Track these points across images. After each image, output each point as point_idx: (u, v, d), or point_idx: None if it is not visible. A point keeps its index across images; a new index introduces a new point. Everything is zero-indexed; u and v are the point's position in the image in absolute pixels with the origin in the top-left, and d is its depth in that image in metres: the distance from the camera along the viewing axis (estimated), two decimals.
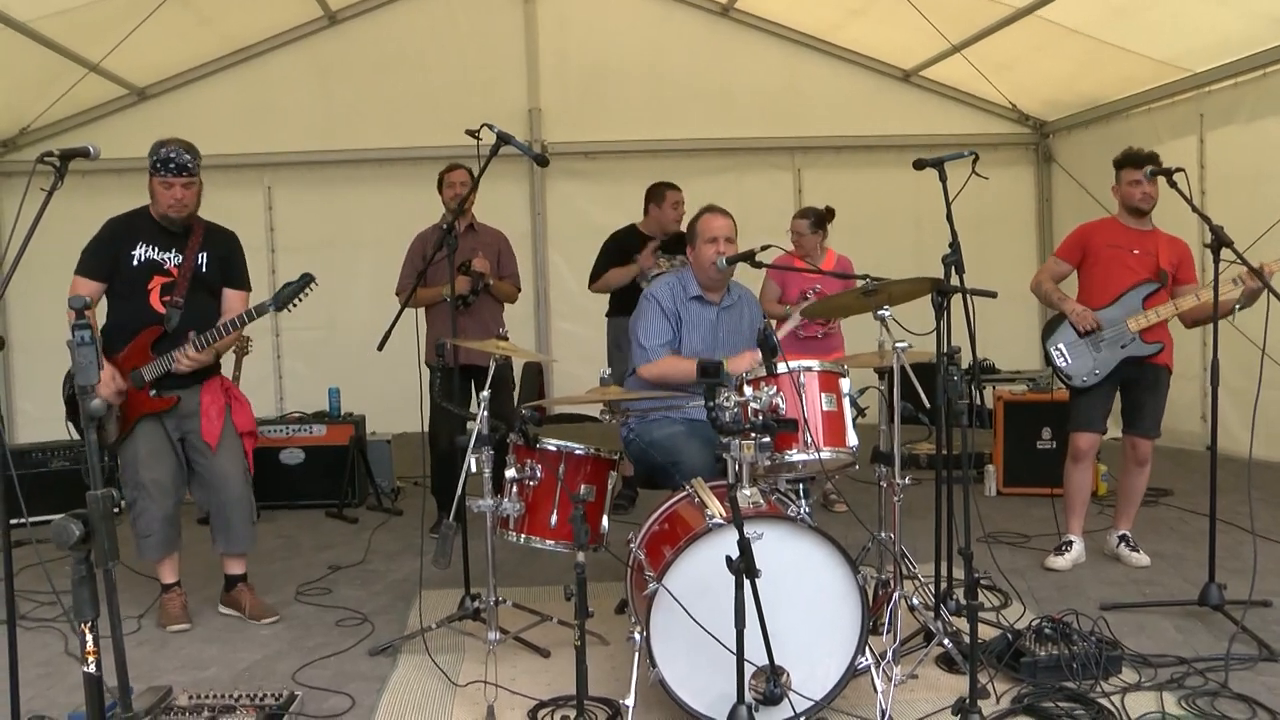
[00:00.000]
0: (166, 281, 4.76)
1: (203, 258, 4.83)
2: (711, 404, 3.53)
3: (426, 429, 5.94)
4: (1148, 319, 5.13)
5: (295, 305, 4.68)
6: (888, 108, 9.84)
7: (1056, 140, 9.84)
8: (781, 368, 3.87)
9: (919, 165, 4.18)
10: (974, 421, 3.79)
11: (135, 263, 4.73)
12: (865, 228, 9.10)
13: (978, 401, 4.07)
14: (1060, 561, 5.35)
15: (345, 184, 9.52)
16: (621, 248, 6.85)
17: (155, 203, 4.74)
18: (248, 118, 9.09)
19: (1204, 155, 7.89)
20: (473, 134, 4.53)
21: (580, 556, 3.38)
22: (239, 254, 5.01)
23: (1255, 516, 5.03)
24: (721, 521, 3.53)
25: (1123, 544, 5.29)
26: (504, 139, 4.46)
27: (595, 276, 6.91)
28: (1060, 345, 5.30)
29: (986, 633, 4.16)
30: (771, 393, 3.79)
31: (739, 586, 3.20)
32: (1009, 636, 4.05)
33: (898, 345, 4.05)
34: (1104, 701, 3.67)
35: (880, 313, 4.15)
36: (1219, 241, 4.48)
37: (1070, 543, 5.42)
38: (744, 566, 3.21)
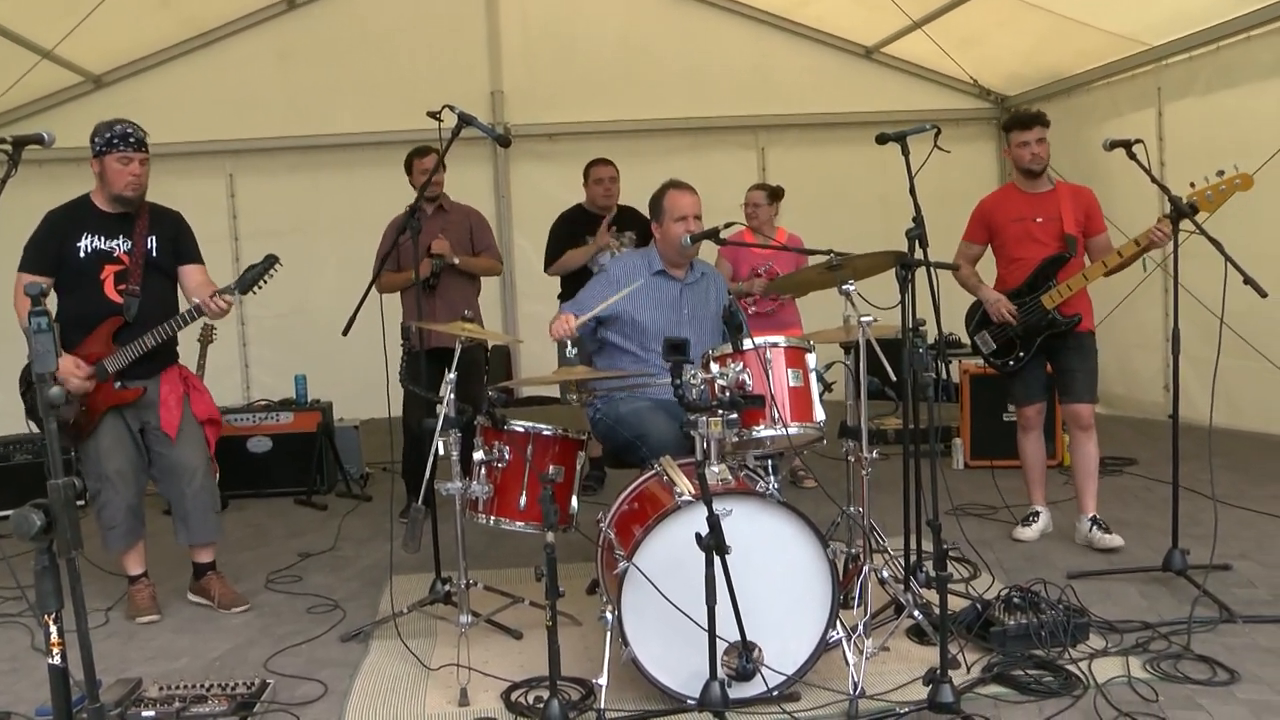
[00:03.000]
0: (119, 270, 4.67)
1: (152, 241, 4.74)
2: (678, 381, 3.52)
3: (396, 414, 5.88)
4: (1060, 294, 5.11)
5: (260, 288, 4.63)
6: (851, 85, 9.82)
7: None
8: (747, 344, 3.86)
9: (881, 140, 4.16)
10: (940, 395, 3.79)
11: (82, 254, 4.63)
12: (829, 204, 9.12)
13: (943, 376, 4.05)
14: (1027, 532, 5.39)
15: (309, 169, 9.43)
16: (570, 228, 6.81)
17: (109, 184, 4.60)
18: (208, 104, 8.95)
19: (1162, 127, 7.94)
20: (434, 115, 4.48)
21: (550, 537, 3.35)
22: (187, 230, 4.90)
23: (1216, 483, 5.05)
24: (690, 499, 3.52)
25: (1094, 527, 5.22)
26: (465, 120, 4.41)
27: (550, 259, 6.85)
28: (984, 333, 5.34)
29: (956, 604, 4.16)
30: (738, 369, 3.78)
31: (709, 563, 3.20)
32: (978, 607, 4.06)
33: (863, 320, 4.04)
34: (1072, 668, 3.70)
35: (845, 287, 4.13)
36: (1178, 212, 4.50)
37: (1037, 514, 5.44)
38: (714, 543, 3.20)
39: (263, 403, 7.51)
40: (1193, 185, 4.66)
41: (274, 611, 4.87)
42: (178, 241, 4.83)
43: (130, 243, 4.69)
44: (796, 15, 9.68)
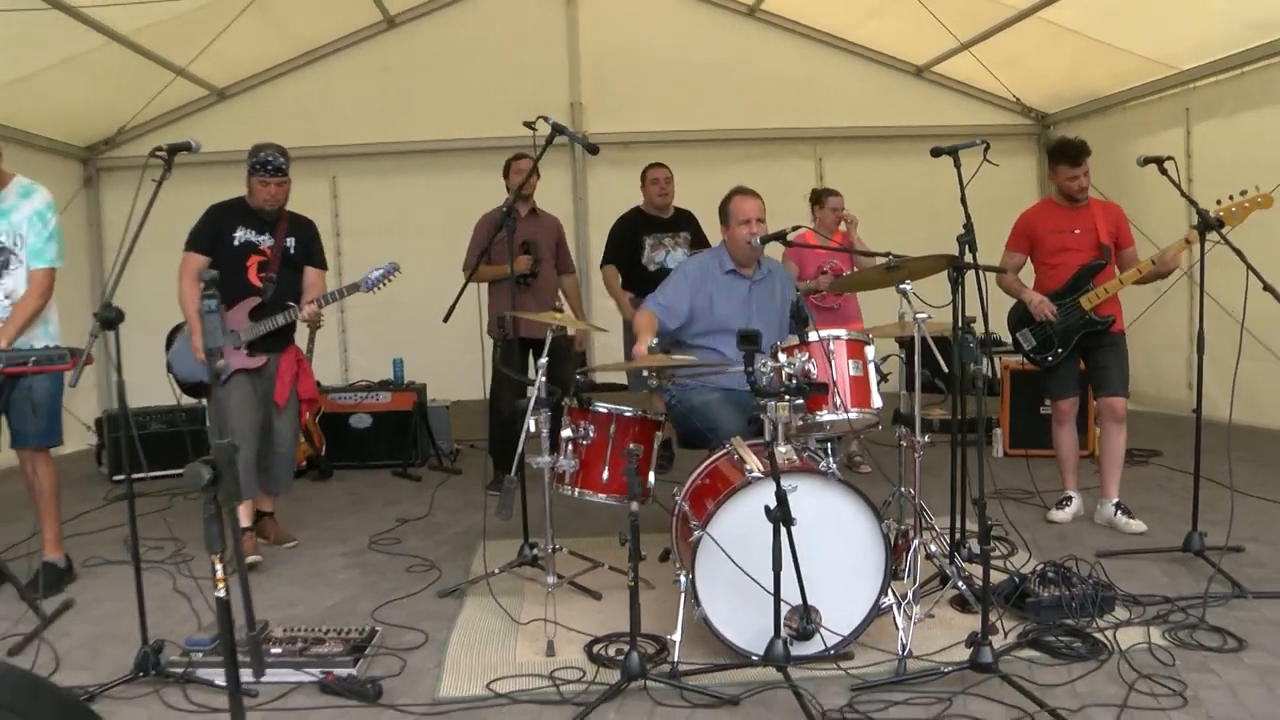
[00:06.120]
0: (262, 260, 5.07)
1: (291, 241, 5.15)
2: (750, 369, 3.64)
3: (487, 396, 6.05)
4: (1098, 295, 5.18)
5: (380, 289, 5.07)
6: (901, 101, 9.85)
7: (1056, 131, 9.76)
8: (813, 336, 3.97)
9: (935, 153, 4.24)
10: (986, 389, 3.87)
11: (235, 243, 5.04)
12: (881, 212, 9.10)
13: (988, 371, 4.14)
14: (1061, 515, 5.45)
15: (402, 173, 9.63)
16: (628, 229, 6.91)
17: (252, 196, 5.05)
18: (314, 113, 9.18)
19: (1190, 146, 7.91)
20: (529, 125, 4.64)
21: (634, 506, 3.47)
22: (318, 239, 5.35)
23: (1234, 474, 5.08)
24: (760, 475, 3.63)
25: (1119, 512, 5.28)
26: (558, 129, 4.56)
27: (605, 261, 6.96)
28: (1025, 331, 5.39)
29: (995, 577, 4.24)
30: (804, 359, 3.89)
31: (776, 534, 3.30)
32: (1016, 580, 4.14)
33: (918, 316, 4.13)
34: (1099, 636, 3.79)
35: (902, 286, 4.21)
36: (1205, 224, 4.54)
37: (1069, 498, 5.50)
38: (781, 515, 3.32)
39: (364, 383, 7.74)
40: (1219, 202, 4.70)
41: (377, 569, 5.05)
42: (309, 245, 5.27)
43: (274, 240, 5.10)
44: (851, 35, 9.73)
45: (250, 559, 5.00)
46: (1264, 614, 4.03)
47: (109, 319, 3.42)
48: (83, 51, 7.06)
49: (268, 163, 4.96)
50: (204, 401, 6.22)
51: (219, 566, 2.22)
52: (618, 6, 9.65)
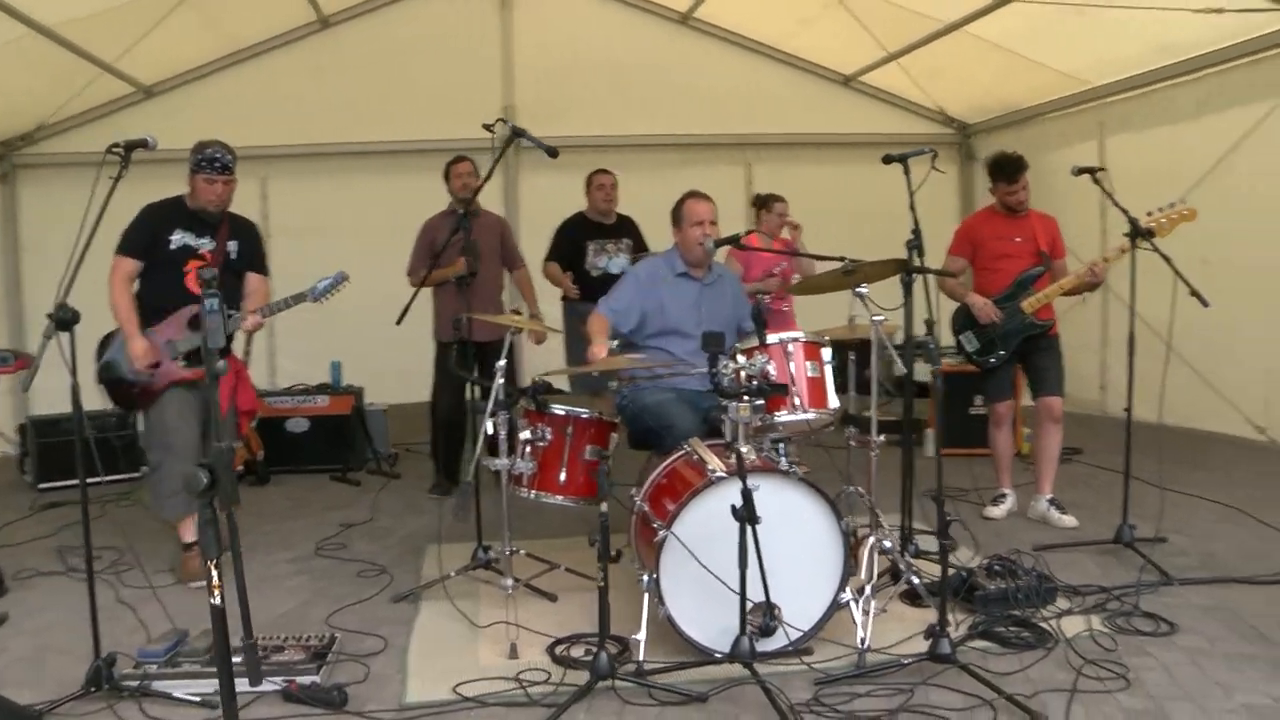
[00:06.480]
0: (201, 265, 4.76)
1: (233, 246, 4.92)
2: (714, 370, 3.67)
3: (430, 399, 6.00)
4: (1038, 300, 5.35)
5: (328, 299, 4.77)
6: (829, 109, 9.97)
7: (977, 141, 10.08)
8: (773, 339, 4.02)
9: (887, 160, 4.33)
10: (917, 392, 3.95)
11: (173, 246, 4.77)
12: (808, 217, 9.22)
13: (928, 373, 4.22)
14: (997, 511, 5.60)
15: (335, 175, 9.43)
16: (571, 234, 6.90)
17: (195, 197, 4.78)
18: (245, 113, 8.89)
19: (1104, 158, 8.19)
20: (488, 128, 4.61)
21: (603, 507, 3.47)
22: (261, 243, 5.12)
23: (1149, 470, 5.23)
24: (724, 475, 3.66)
25: (1052, 507, 5.45)
26: (517, 133, 4.54)
27: (547, 260, 6.92)
28: (969, 333, 5.52)
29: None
30: (763, 361, 3.93)
31: (743, 533, 3.34)
32: (963, 574, 4.25)
33: (875, 319, 4.20)
34: (1044, 625, 3.93)
35: (859, 290, 4.27)
36: (1137, 233, 4.72)
37: (1004, 495, 5.67)
38: (747, 514, 3.35)
39: (300, 387, 7.58)
40: (1149, 214, 4.88)
41: (326, 575, 4.96)
42: (253, 251, 5.03)
43: (214, 243, 4.85)
44: (783, 44, 9.83)
45: (197, 584, 4.79)
46: (1190, 599, 4.25)
47: (64, 320, 3.30)
48: (1, 43, 6.77)
49: (215, 159, 4.70)
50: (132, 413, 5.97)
51: (214, 573, 2.16)
52: (552, 11, 9.60)
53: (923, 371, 4.27)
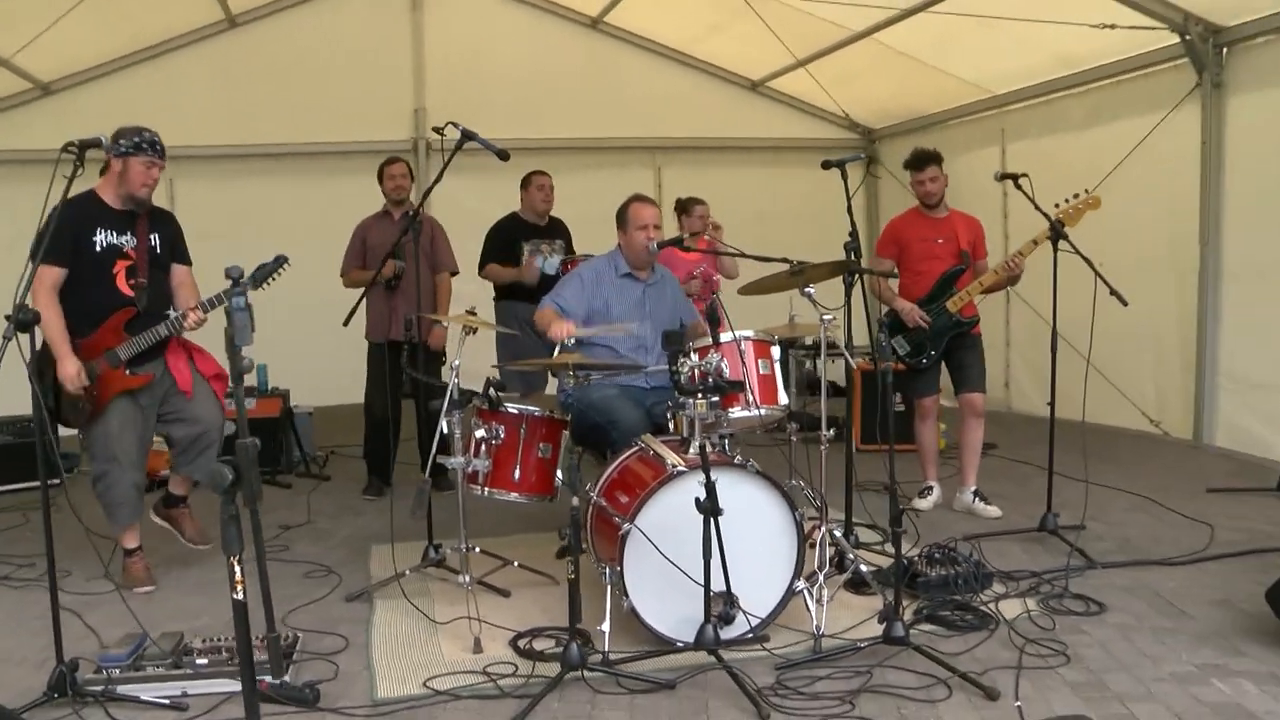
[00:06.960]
0: (129, 264, 4.62)
1: (155, 239, 4.72)
2: (674, 368, 3.79)
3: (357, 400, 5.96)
4: (961, 299, 5.59)
5: (270, 284, 4.56)
6: (737, 114, 10.22)
7: (882, 145, 10.38)
8: (726, 337, 4.14)
9: (826, 165, 4.50)
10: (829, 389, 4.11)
11: (98, 248, 4.56)
12: (719, 219, 9.45)
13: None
14: (923, 503, 5.83)
15: (245, 176, 9.26)
16: (504, 235, 6.90)
17: (128, 183, 4.53)
18: (150, 113, 8.46)
19: (1005, 164, 8.50)
20: (439, 130, 4.62)
21: (574, 501, 3.54)
22: (180, 231, 4.91)
23: (1060, 462, 5.35)
24: (684, 469, 3.77)
25: (977, 499, 5.69)
26: (468, 135, 4.57)
27: (483, 264, 6.91)
28: (899, 338, 5.68)
29: (883, 561, 4.58)
30: (717, 359, 4.04)
31: (706, 525, 3.46)
32: (905, 562, 4.42)
33: (825, 319, 4.35)
34: (985, 609, 4.14)
35: (807, 290, 4.41)
36: (1056, 234, 5.01)
37: (930, 487, 5.90)
38: (710, 507, 3.47)
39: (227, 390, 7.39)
40: (1056, 205, 5.18)
41: (274, 576, 4.71)
42: (175, 241, 4.84)
43: (136, 239, 4.64)
44: (692, 50, 10.03)
45: (142, 589, 4.70)
46: (1113, 580, 4.54)
47: (24, 321, 3.21)
48: None
49: (155, 142, 4.50)
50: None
51: (237, 569, 2.17)
52: (463, 14, 9.61)
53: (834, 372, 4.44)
